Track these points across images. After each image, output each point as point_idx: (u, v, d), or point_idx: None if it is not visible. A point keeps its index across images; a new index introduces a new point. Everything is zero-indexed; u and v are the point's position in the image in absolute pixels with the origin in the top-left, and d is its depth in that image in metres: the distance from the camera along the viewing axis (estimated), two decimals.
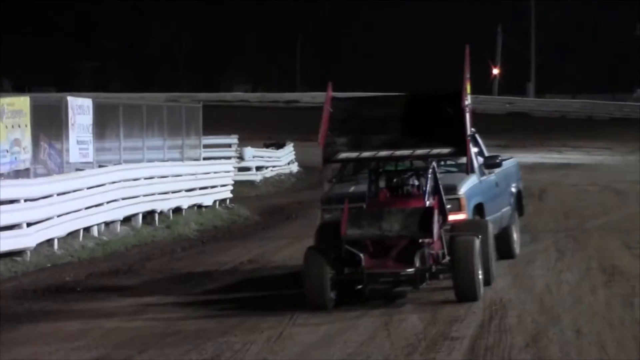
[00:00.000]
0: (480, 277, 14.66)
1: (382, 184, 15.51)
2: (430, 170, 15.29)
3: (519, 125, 66.48)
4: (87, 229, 24.04)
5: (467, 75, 13.94)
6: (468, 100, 13.84)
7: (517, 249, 17.15)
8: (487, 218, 17.85)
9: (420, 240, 14.34)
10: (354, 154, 14.75)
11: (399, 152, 14.73)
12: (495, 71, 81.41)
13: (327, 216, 16.38)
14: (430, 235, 14.22)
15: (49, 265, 20.94)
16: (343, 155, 14.87)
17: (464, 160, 16.99)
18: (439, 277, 14.65)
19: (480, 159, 16.79)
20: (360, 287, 14.21)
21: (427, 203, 14.90)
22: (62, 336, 17.42)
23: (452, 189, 16.32)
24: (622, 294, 15.87)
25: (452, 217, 16.02)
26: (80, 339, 17.25)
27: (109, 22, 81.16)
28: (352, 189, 16.95)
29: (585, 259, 19.75)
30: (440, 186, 15.66)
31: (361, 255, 14.10)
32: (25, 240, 21.01)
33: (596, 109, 70.42)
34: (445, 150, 14.63)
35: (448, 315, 15.89)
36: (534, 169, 43.35)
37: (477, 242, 14.41)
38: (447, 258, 14.62)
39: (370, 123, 15.31)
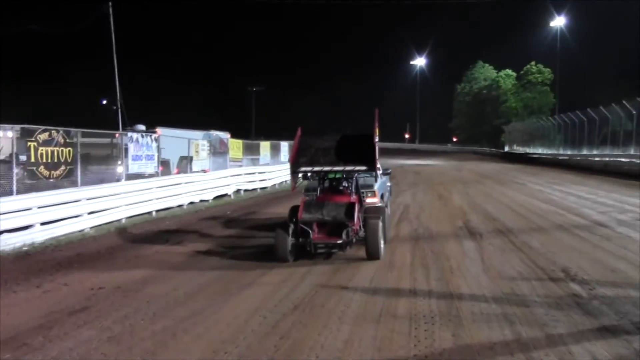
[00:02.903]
0: (382, 243, 9.88)
1: (326, 185, 10.41)
2: (354, 178, 10.52)
3: (414, 152, 63.44)
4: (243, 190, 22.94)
5: (376, 125, 9.58)
6: (377, 139, 9.40)
7: (389, 212, 12.04)
8: (385, 200, 12.48)
9: (346, 223, 9.59)
10: (309, 168, 9.76)
11: (336, 167, 9.74)
12: (407, 135, 78.53)
13: (306, 198, 10.31)
14: (353, 220, 9.68)
15: (235, 201, 20.52)
16: (303, 168, 9.87)
17: (373, 172, 10.51)
18: (356, 244, 9.86)
19: (380, 170, 12.14)
20: (309, 249, 9.39)
21: (352, 199, 10.16)
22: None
23: (370, 186, 11.46)
24: (442, 203, 18.63)
25: (370, 200, 11.01)
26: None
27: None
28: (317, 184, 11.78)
29: (433, 192, 22.28)
30: (360, 187, 10.59)
31: (310, 231, 9.38)
32: (228, 189, 21.75)
33: (438, 148, 66.81)
34: (363, 168, 9.76)
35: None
36: (419, 166, 40.46)
37: (380, 224, 9.78)
38: (362, 231, 9.86)
39: (319, 150, 9.80)
